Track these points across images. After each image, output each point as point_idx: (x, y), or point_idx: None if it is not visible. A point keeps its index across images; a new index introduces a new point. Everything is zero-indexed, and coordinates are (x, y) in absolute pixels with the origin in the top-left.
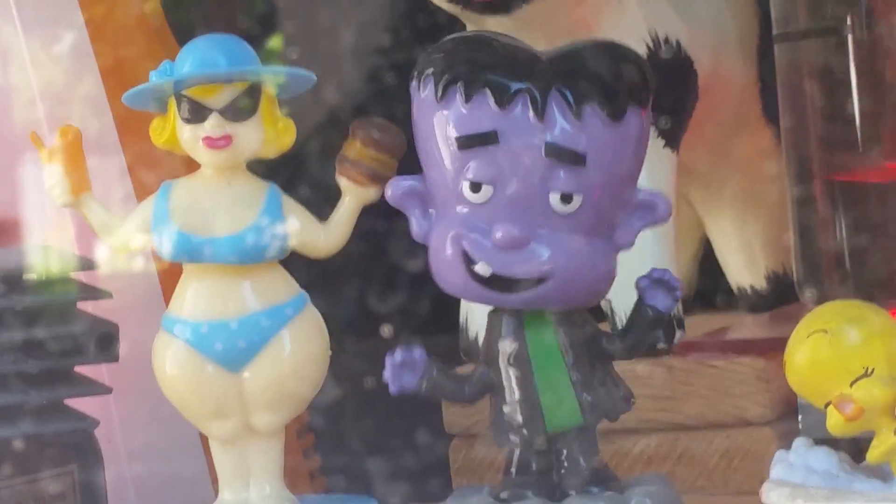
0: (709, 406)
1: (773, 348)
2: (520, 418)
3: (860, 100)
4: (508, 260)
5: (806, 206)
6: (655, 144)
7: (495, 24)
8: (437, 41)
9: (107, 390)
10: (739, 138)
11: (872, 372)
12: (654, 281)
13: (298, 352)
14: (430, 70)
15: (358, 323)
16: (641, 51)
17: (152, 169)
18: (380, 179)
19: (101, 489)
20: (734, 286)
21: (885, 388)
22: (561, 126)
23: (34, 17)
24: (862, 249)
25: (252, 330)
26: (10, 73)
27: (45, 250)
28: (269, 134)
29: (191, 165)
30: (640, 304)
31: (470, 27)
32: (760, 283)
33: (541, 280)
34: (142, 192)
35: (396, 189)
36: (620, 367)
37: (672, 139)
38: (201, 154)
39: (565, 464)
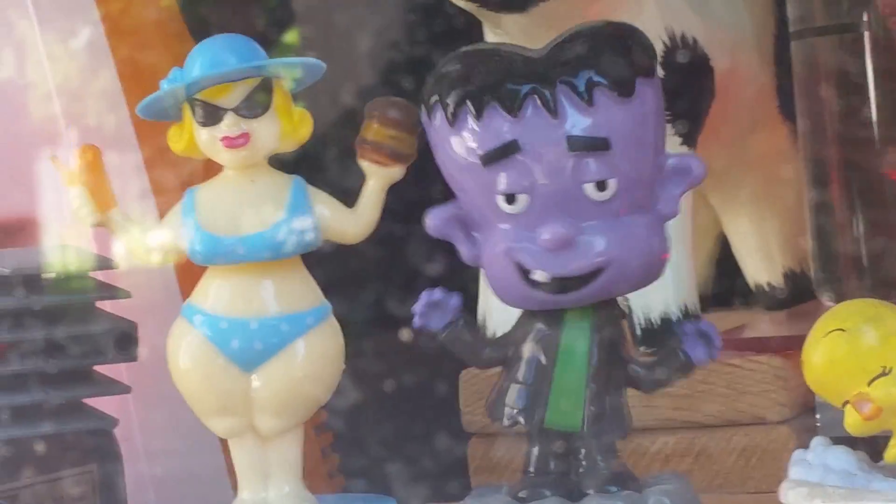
0: (726, 405)
1: (791, 347)
2: (521, 403)
3: (877, 97)
4: (562, 260)
5: (823, 204)
6: (672, 142)
7: (512, 23)
8: (454, 41)
9: (126, 389)
10: (756, 136)
11: (890, 371)
12: (698, 332)
13: (312, 362)
14: (435, 97)
15: (376, 323)
16: (659, 49)
17: (169, 165)
18: (401, 157)
19: (120, 488)
20: (751, 284)
21: None
22: (576, 117)
23: (50, 13)
24: (879, 248)
25: (270, 333)
26: (26, 69)
27: (64, 249)
28: (286, 127)
29: (207, 163)
30: (675, 347)
31: (486, 25)
32: (778, 282)
33: (599, 271)
34: (158, 188)
35: (437, 220)
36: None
37: (689, 137)
38: (221, 155)
39: (583, 463)
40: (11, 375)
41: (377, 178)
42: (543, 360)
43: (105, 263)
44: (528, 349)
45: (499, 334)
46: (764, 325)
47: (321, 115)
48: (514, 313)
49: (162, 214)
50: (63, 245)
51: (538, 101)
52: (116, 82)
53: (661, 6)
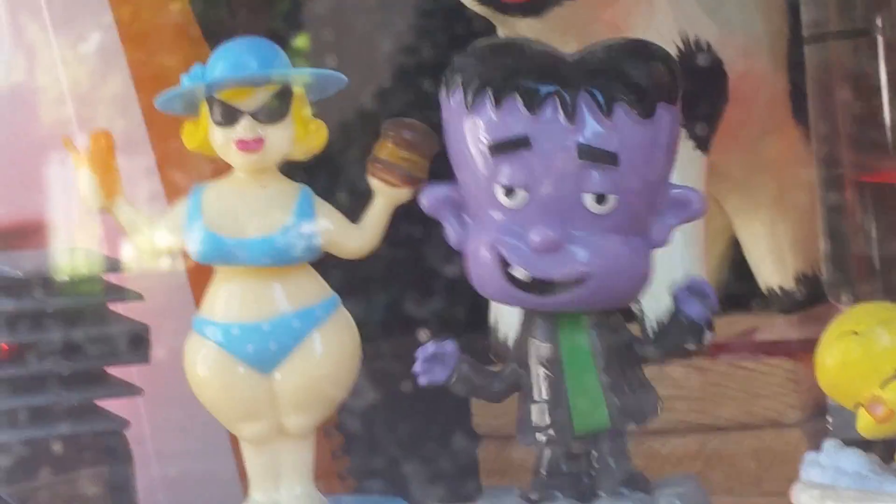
0: (739, 407)
1: (803, 349)
2: (548, 419)
3: (890, 101)
4: (546, 263)
5: (836, 207)
6: (686, 146)
7: (526, 27)
8: (468, 45)
9: (138, 391)
10: (769, 140)
11: None
12: (690, 289)
13: (329, 353)
14: (459, 78)
15: (388, 324)
16: (672, 52)
17: (181, 167)
18: (412, 180)
19: (132, 489)
20: (764, 287)
21: None
22: (592, 127)
23: (63, 17)
24: (891, 251)
25: (283, 332)
26: (39, 72)
27: (76, 252)
28: (301, 135)
29: (218, 164)
30: (674, 312)
31: (501, 30)
32: (790, 285)
33: (578, 282)
34: (170, 189)
35: (431, 197)
36: (649, 367)
37: (702, 141)
38: (233, 157)
39: (596, 465)
40: (25, 377)
41: (385, 198)
42: (551, 372)
43: (116, 266)
44: (534, 367)
45: (510, 338)
46: (776, 328)
47: (332, 116)
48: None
49: None
50: (75, 248)
51: (558, 104)
52: (130, 85)
53: (675, 10)
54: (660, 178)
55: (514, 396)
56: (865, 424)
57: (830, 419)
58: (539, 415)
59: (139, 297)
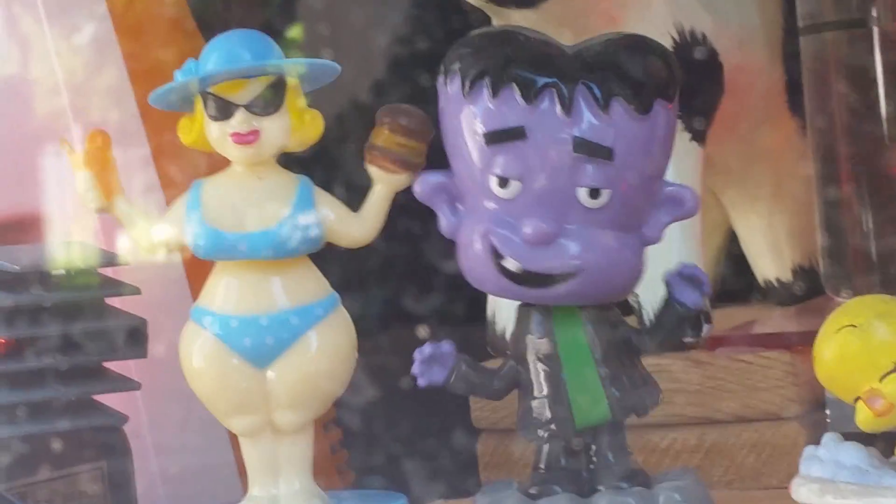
0: (737, 400)
1: (801, 342)
2: (548, 414)
3: (886, 92)
4: (537, 256)
5: (833, 200)
6: (682, 138)
7: (521, 19)
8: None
9: (136, 386)
10: (765, 132)
11: None
12: (683, 277)
13: (325, 352)
14: (457, 65)
15: (386, 318)
16: (667, 44)
17: (176, 158)
18: (410, 166)
19: (130, 485)
20: (761, 280)
21: None
22: (588, 121)
23: (58, 8)
24: (889, 243)
25: (281, 327)
26: (34, 64)
27: (73, 246)
28: (297, 126)
29: (213, 156)
30: (668, 300)
31: (496, 21)
32: (787, 277)
33: (570, 275)
34: (166, 181)
35: (424, 185)
36: (648, 361)
37: (699, 133)
38: (230, 150)
39: (595, 459)
40: (22, 372)
41: (384, 185)
42: (550, 367)
43: (113, 260)
44: (532, 363)
45: (508, 331)
46: (773, 320)
47: (328, 110)
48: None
49: None
50: (72, 241)
51: (555, 95)
52: (124, 77)
53: (670, 1)
54: (654, 174)
55: (514, 392)
56: (864, 418)
57: (829, 412)
58: (540, 411)
59: (136, 291)
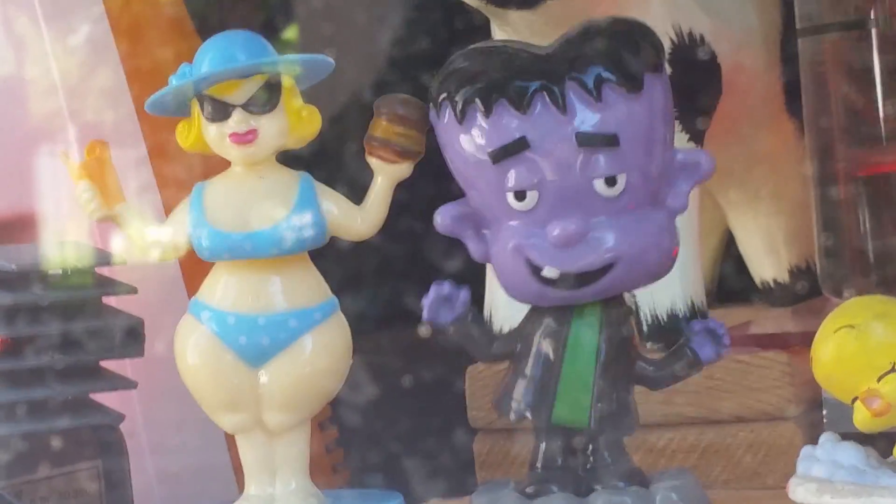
0: (734, 401)
1: (799, 343)
2: (529, 398)
3: (884, 94)
4: (573, 256)
5: (830, 201)
6: (679, 139)
7: (519, 20)
8: (461, 38)
9: (132, 385)
10: (762, 133)
11: None
12: (707, 330)
13: (320, 358)
14: (444, 94)
15: (384, 318)
16: (666, 45)
17: (173, 159)
18: (409, 155)
19: (126, 484)
20: (758, 281)
21: None
22: (585, 113)
23: (54, 8)
24: (887, 244)
25: (278, 329)
26: (30, 64)
27: (70, 245)
28: (294, 123)
29: (209, 156)
30: (684, 345)
31: (494, 23)
32: (784, 278)
33: (609, 267)
34: (162, 182)
35: (445, 217)
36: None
37: (696, 134)
38: (229, 151)
39: (591, 459)
40: (19, 371)
41: (385, 176)
42: (551, 355)
43: (109, 259)
44: (535, 344)
45: (505, 330)
46: (770, 321)
47: (327, 110)
48: (520, 309)
49: (167, 209)
50: (68, 241)
51: (547, 98)
52: (121, 77)
53: (668, 3)
54: (663, 146)
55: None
56: (862, 418)
57: (826, 413)
58: (522, 391)
59: (133, 290)
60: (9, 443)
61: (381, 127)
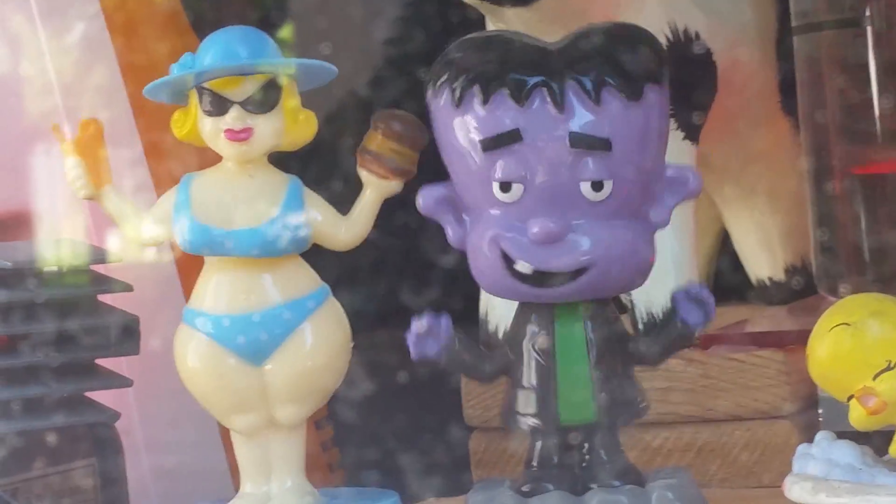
0: (729, 399)
1: (794, 341)
2: (534, 406)
3: (880, 92)
4: (548, 255)
5: (826, 198)
6: (675, 137)
7: (515, 17)
8: (456, 35)
9: (127, 383)
10: (758, 131)
11: (895, 365)
12: (690, 296)
13: (320, 344)
14: (445, 77)
15: (379, 315)
16: (662, 42)
17: (168, 157)
18: (402, 172)
19: (121, 481)
20: (753, 279)
21: None
22: (582, 114)
23: (49, 6)
24: (882, 242)
25: (274, 323)
26: (26, 62)
27: (66, 243)
28: (290, 126)
29: (204, 154)
30: (672, 316)
31: (489, 19)
32: (780, 276)
33: (582, 271)
34: (158, 179)
35: (427, 199)
36: None
37: (692, 132)
38: (222, 146)
39: (587, 457)
40: (15, 368)
41: (374, 190)
42: (544, 360)
43: (103, 256)
44: (526, 353)
45: (501, 329)
46: (766, 319)
47: (322, 107)
48: (516, 308)
49: None
50: (64, 239)
51: (546, 94)
52: (117, 75)
53: (664, 1)
54: (654, 159)
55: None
56: (857, 416)
57: (822, 411)
58: (525, 401)
59: (128, 287)
60: (4, 441)
61: (377, 141)
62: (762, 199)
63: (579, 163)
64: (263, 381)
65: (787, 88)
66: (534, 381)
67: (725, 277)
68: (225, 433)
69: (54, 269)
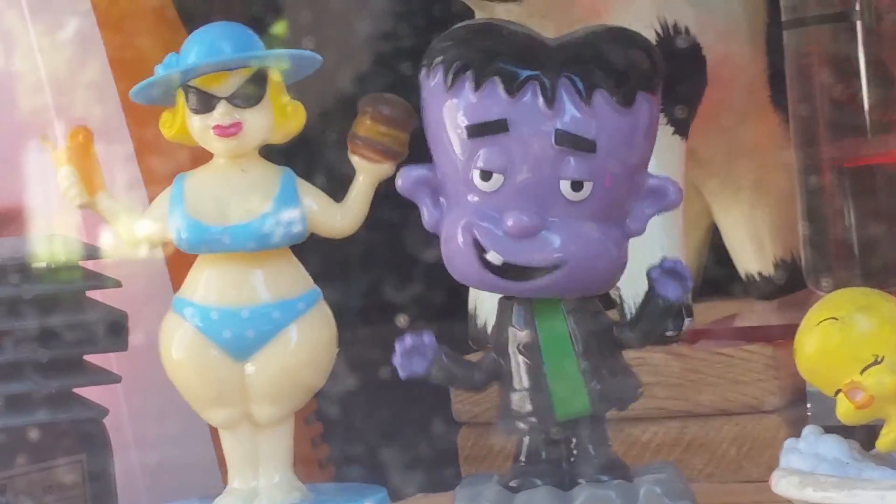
0: (718, 394)
1: (782, 335)
2: (529, 406)
3: (869, 86)
4: (520, 248)
5: (815, 193)
6: (664, 131)
7: (505, 12)
8: (445, 29)
9: (116, 379)
10: (748, 125)
11: (883, 360)
12: (666, 270)
13: (305, 347)
14: (440, 58)
15: (367, 311)
16: (651, 37)
17: (159, 154)
18: (392, 155)
19: (110, 478)
20: (742, 273)
21: (895, 375)
22: (571, 113)
23: (40, 3)
24: (871, 236)
25: (262, 321)
26: (17, 59)
27: (54, 239)
28: (279, 118)
29: (196, 151)
30: (650, 294)
31: (479, 14)
32: (769, 270)
33: (553, 268)
34: (149, 177)
35: (406, 179)
36: (629, 354)
37: (681, 126)
38: (212, 143)
39: (575, 452)
40: (2, 364)
41: (367, 174)
42: (530, 359)
43: (94, 253)
44: (512, 355)
45: (489, 325)
46: (755, 314)
47: (312, 101)
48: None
49: None
50: (52, 234)
51: (538, 88)
52: (107, 72)
53: None
54: (637, 166)
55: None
56: (845, 411)
57: (810, 405)
58: (519, 403)
59: (117, 283)
60: None
61: (366, 126)
62: (751, 193)
63: (562, 161)
64: (243, 378)
65: (776, 82)
66: (525, 382)
67: (714, 271)
68: (213, 428)
69: (43, 265)
